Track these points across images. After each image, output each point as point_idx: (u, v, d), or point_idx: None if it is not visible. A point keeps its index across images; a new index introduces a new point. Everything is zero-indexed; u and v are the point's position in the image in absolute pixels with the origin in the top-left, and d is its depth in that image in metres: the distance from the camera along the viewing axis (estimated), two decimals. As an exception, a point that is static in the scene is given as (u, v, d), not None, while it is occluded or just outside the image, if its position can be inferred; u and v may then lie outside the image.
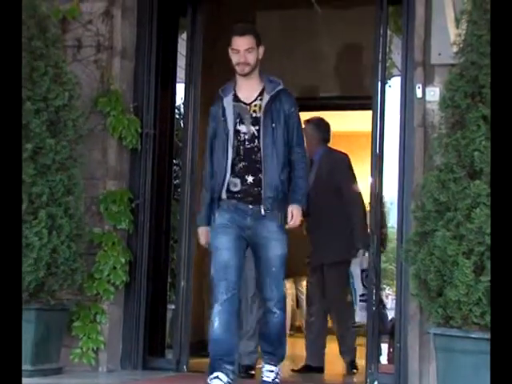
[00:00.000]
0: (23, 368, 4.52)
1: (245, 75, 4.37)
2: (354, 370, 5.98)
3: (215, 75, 4.58)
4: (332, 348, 6.17)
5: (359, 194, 6.06)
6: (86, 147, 5.16)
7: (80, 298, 5.21)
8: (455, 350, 3.96)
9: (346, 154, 6.14)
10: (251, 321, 5.41)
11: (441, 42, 4.87)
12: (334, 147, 6.26)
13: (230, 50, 4.39)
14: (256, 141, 4.32)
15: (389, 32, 5.38)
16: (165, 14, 5.74)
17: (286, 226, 4.35)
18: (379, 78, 5.25)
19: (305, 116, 6.19)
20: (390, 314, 6.26)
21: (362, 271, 5.98)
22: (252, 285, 5.18)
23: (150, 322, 5.55)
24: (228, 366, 4.24)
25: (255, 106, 4.36)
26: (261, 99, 4.37)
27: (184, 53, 5.80)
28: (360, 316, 6.08)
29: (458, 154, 4.06)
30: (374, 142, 5.22)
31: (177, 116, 6.50)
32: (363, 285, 5.96)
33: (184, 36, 5.88)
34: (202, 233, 4.50)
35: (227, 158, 4.31)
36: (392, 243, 6.79)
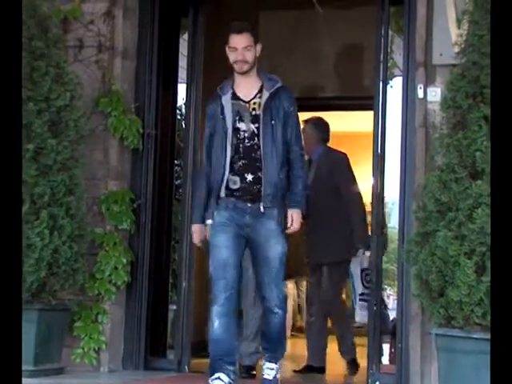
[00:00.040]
0: (25, 368, 4.52)
1: (243, 73, 4.34)
2: (355, 370, 5.98)
3: (217, 75, 4.58)
4: (333, 348, 6.16)
5: (358, 194, 6.04)
6: (87, 147, 5.17)
7: (81, 298, 5.21)
8: (457, 351, 3.96)
9: (344, 154, 6.13)
10: (251, 325, 5.41)
11: (442, 43, 4.86)
12: (336, 147, 6.25)
13: (227, 49, 4.35)
14: (256, 138, 4.29)
15: (390, 32, 5.38)
16: (166, 15, 5.75)
17: (287, 231, 4.34)
18: (381, 79, 5.25)
19: (306, 116, 6.22)
20: (392, 315, 6.27)
21: (362, 271, 5.98)
22: (252, 286, 5.15)
23: (152, 323, 5.55)
24: (229, 367, 4.23)
25: (254, 103, 4.33)
26: (260, 97, 4.33)
27: (185, 53, 5.80)
28: (360, 315, 6.08)
29: (459, 155, 4.06)
30: (375, 143, 5.22)
31: (178, 116, 6.49)
32: (363, 284, 5.96)
33: (185, 36, 5.89)
34: (196, 230, 4.44)
35: (226, 156, 4.28)
36: (393, 243, 6.79)
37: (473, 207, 3.94)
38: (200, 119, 5.61)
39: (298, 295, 10.53)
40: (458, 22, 4.43)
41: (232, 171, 4.28)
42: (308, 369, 5.95)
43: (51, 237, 4.72)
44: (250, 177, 4.29)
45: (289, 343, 9.55)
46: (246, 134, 4.31)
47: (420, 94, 4.97)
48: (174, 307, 5.71)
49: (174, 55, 6.00)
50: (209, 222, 4.64)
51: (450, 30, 4.79)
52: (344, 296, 6.18)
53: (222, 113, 4.34)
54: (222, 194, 4.31)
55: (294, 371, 5.99)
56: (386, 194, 5.39)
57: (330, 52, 8.09)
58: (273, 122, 4.29)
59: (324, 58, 8.03)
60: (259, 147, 4.29)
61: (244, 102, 4.35)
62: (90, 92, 5.40)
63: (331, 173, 5.94)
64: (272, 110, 4.30)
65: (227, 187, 4.28)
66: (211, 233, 4.36)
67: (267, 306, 4.34)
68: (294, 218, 4.31)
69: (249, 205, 4.28)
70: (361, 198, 6.05)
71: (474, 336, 3.87)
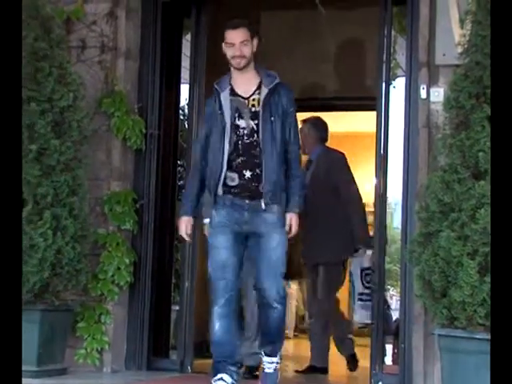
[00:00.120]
0: (28, 369, 4.57)
1: (241, 69, 4.31)
2: (355, 365, 5.97)
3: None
4: (335, 348, 6.16)
5: (358, 194, 6.02)
6: (90, 148, 5.17)
7: (84, 298, 5.22)
8: (460, 351, 3.95)
9: (342, 154, 6.12)
10: (253, 326, 5.40)
11: (445, 43, 4.86)
12: (338, 148, 6.25)
13: (224, 45, 4.33)
14: (255, 135, 4.26)
15: (393, 32, 5.37)
16: (169, 15, 5.75)
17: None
18: (383, 79, 5.24)
19: (308, 116, 6.22)
20: (395, 315, 6.27)
21: (362, 270, 5.97)
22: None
23: (155, 323, 5.55)
24: (232, 368, 4.24)
25: (254, 100, 4.30)
26: (259, 93, 4.30)
27: (188, 53, 5.80)
28: (358, 315, 6.08)
29: (462, 155, 4.06)
30: (378, 143, 5.22)
31: (181, 116, 6.50)
32: (363, 284, 5.96)
33: (188, 37, 5.89)
34: (183, 222, 4.36)
35: (223, 153, 4.24)
36: (396, 244, 6.79)
37: (476, 207, 3.93)
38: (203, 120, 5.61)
39: (302, 296, 10.53)
40: (461, 22, 4.43)
41: (230, 168, 4.24)
42: (311, 369, 5.95)
43: (54, 237, 4.72)
44: (248, 173, 4.25)
45: (291, 344, 9.65)
46: (246, 131, 4.27)
47: (423, 94, 4.97)
48: (177, 307, 5.72)
49: (176, 56, 6.00)
50: (207, 220, 4.63)
51: (453, 31, 4.78)
52: (339, 296, 6.16)
53: (221, 109, 4.29)
54: (220, 191, 4.27)
55: (297, 372, 6.00)
56: (388, 195, 5.39)
57: (332, 52, 8.09)
58: (272, 118, 4.26)
59: (326, 59, 8.03)
60: (258, 144, 4.25)
61: (243, 98, 4.32)
62: (92, 92, 5.41)
63: (329, 172, 5.93)
64: (271, 107, 4.27)
65: (225, 184, 4.25)
66: (210, 233, 4.34)
67: (266, 301, 4.28)
68: (293, 223, 4.30)
69: (247, 201, 4.25)
70: (360, 197, 6.04)
71: (477, 336, 3.86)
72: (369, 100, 6.04)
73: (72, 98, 4.95)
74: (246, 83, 4.34)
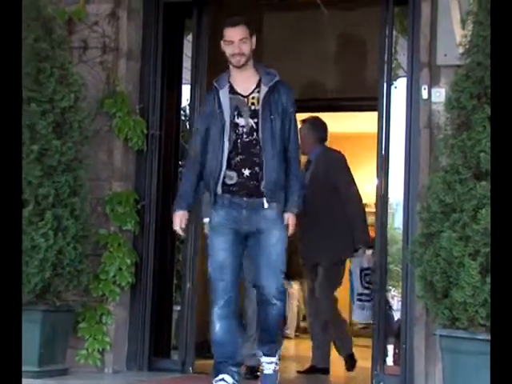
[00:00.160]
0: (29, 369, 4.58)
1: (240, 67, 4.28)
2: (352, 365, 5.96)
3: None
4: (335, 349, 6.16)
5: (358, 194, 6.01)
6: (91, 148, 5.17)
7: (86, 299, 5.22)
8: (461, 352, 3.95)
9: (342, 154, 6.10)
10: (254, 326, 5.40)
11: (447, 43, 4.86)
12: (340, 148, 6.24)
13: (222, 43, 4.31)
14: (254, 134, 4.23)
15: (394, 33, 5.37)
16: (170, 16, 5.75)
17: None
18: (385, 79, 5.24)
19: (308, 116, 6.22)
20: (396, 316, 6.26)
21: (362, 270, 5.97)
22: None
23: (156, 323, 5.55)
24: (233, 368, 4.24)
25: (253, 98, 4.28)
26: (258, 91, 4.28)
27: (189, 54, 5.80)
28: (357, 315, 6.08)
29: (463, 155, 4.06)
30: (379, 143, 5.21)
31: (182, 117, 6.50)
32: (362, 284, 5.96)
33: (190, 37, 5.89)
34: (177, 216, 4.33)
35: (223, 152, 4.22)
36: (397, 244, 6.79)
37: (477, 208, 3.93)
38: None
39: (303, 296, 10.53)
40: (463, 22, 4.43)
41: (229, 167, 4.22)
42: (312, 369, 5.95)
43: (55, 238, 4.72)
44: (247, 172, 4.23)
45: (293, 344, 9.63)
46: (245, 130, 4.24)
47: (424, 94, 4.96)
48: (178, 308, 5.71)
49: (178, 56, 6.00)
50: (206, 220, 4.62)
51: (455, 31, 4.78)
52: (339, 296, 6.15)
53: (220, 107, 4.27)
54: (219, 190, 4.25)
55: (298, 372, 5.99)
56: (390, 195, 5.38)
57: (333, 53, 8.09)
58: (272, 116, 4.24)
59: (327, 59, 8.03)
60: (258, 142, 4.23)
61: (242, 96, 4.29)
62: (94, 93, 5.41)
63: (328, 172, 5.92)
64: (271, 105, 4.25)
65: (223, 183, 4.23)
66: (209, 233, 4.33)
67: (265, 297, 4.25)
68: (290, 223, 4.30)
69: (245, 199, 4.23)
70: (360, 197, 6.03)
71: (479, 337, 3.86)
72: (370, 100, 6.03)
73: (73, 98, 4.95)
74: (245, 81, 4.32)
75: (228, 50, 4.29)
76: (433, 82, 4.96)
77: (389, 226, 5.45)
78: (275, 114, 4.25)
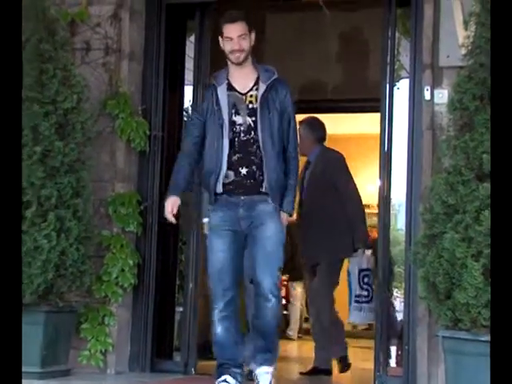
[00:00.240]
0: (32, 370, 4.59)
1: (239, 63, 4.24)
2: (345, 367, 5.95)
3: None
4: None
5: (357, 193, 6.00)
6: (94, 150, 5.18)
7: (88, 300, 5.22)
8: (464, 353, 3.95)
9: (340, 154, 6.09)
10: None
11: (449, 44, 4.86)
12: (342, 149, 6.23)
13: (221, 39, 4.28)
14: (252, 132, 4.20)
15: (397, 34, 5.36)
16: (173, 17, 5.75)
17: None
18: (387, 81, 5.24)
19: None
20: (399, 317, 6.25)
21: (360, 271, 5.96)
22: None
23: (158, 324, 5.55)
24: (236, 369, 4.23)
25: (251, 96, 4.25)
26: (257, 89, 4.24)
27: (192, 55, 5.80)
28: (354, 316, 6.07)
29: (466, 157, 4.06)
30: (382, 145, 5.21)
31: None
32: (360, 285, 5.95)
33: (192, 38, 5.89)
34: (169, 202, 4.25)
35: (223, 151, 4.18)
36: (400, 245, 6.78)
37: (480, 209, 3.93)
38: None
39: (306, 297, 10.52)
40: (465, 23, 4.42)
41: (226, 165, 4.20)
42: (315, 371, 5.94)
43: (58, 239, 4.73)
44: (244, 170, 4.21)
45: (295, 345, 9.63)
46: (242, 128, 4.21)
47: (427, 95, 4.96)
48: (181, 309, 5.71)
49: (180, 57, 6.00)
50: (205, 220, 4.61)
51: (457, 32, 4.78)
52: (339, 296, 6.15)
53: (218, 104, 4.22)
54: (219, 189, 4.22)
55: (301, 373, 5.99)
56: (392, 196, 5.38)
57: (336, 54, 8.09)
58: (270, 115, 4.20)
59: (330, 60, 8.03)
60: (255, 141, 4.20)
61: (240, 94, 4.25)
62: (97, 94, 5.41)
63: (326, 172, 5.92)
64: (269, 103, 4.21)
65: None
66: (208, 234, 4.32)
67: (260, 292, 4.19)
68: (283, 221, 4.28)
69: (242, 198, 4.21)
70: (359, 198, 6.03)
71: (481, 338, 3.85)
72: (373, 102, 6.03)
73: (76, 99, 4.95)
74: (243, 78, 4.28)
75: (227, 46, 4.25)
76: (435, 83, 4.96)
77: (391, 227, 5.44)
78: (273, 112, 4.20)
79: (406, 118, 5.13)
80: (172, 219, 4.32)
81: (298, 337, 10.49)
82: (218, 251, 4.20)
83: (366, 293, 5.93)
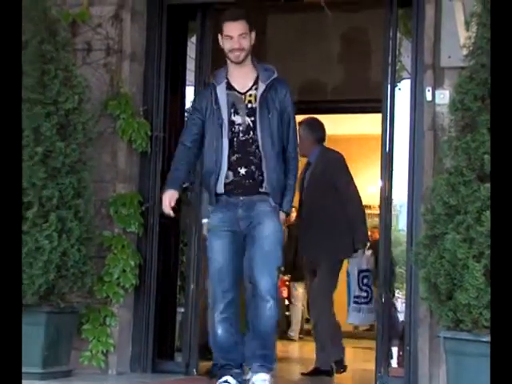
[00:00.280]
0: (34, 371, 4.59)
1: (239, 62, 4.21)
2: (340, 369, 5.95)
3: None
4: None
5: (357, 194, 6.00)
6: (95, 150, 5.18)
7: (90, 300, 5.22)
8: (465, 354, 3.95)
9: (340, 154, 6.09)
10: None
11: (451, 45, 4.86)
12: (343, 150, 6.23)
13: (221, 37, 4.24)
14: (251, 132, 4.16)
15: (398, 35, 5.37)
16: (174, 18, 5.75)
17: None
18: (389, 81, 5.24)
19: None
20: (401, 317, 6.25)
21: (360, 272, 5.96)
22: None
23: (160, 325, 5.55)
24: (237, 370, 4.23)
25: (250, 95, 4.21)
26: (256, 88, 4.20)
27: (193, 56, 5.81)
28: (352, 317, 6.06)
29: (467, 157, 4.05)
30: (383, 145, 5.22)
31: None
32: (359, 286, 5.94)
33: (193, 39, 5.89)
34: (167, 196, 4.21)
35: (222, 151, 4.15)
36: (402, 246, 6.78)
37: (481, 210, 3.93)
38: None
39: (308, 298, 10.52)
40: (467, 24, 4.41)
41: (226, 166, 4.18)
42: (316, 372, 5.94)
43: (60, 240, 4.73)
44: (242, 170, 4.18)
45: (297, 346, 9.63)
46: (241, 128, 4.18)
47: (428, 96, 4.96)
48: (182, 310, 5.71)
49: (181, 58, 6.00)
50: (205, 221, 4.60)
51: (459, 33, 4.78)
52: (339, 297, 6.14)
53: (217, 103, 4.19)
54: (220, 189, 4.21)
55: (302, 374, 5.99)
56: (394, 197, 5.38)
57: (337, 54, 8.09)
58: (269, 115, 4.16)
59: (331, 61, 8.03)
60: (254, 141, 4.17)
61: (239, 93, 4.22)
62: (98, 95, 5.41)
63: (326, 172, 5.91)
64: (268, 103, 4.17)
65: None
66: (208, 235, 4.32)
67: (258, 292, 4.14)
68: (281, 221, 4.28)
69: (241, 198, 4.20)
70: (359, 198, 6.02)
71: (483, 339, 3.85)
72: (374, 102, 6.03)
73: (77, 100, 4.95)
74: (242, 77, 4.24)
75: (227, 45, 4.22)
76: (437, 84, 4.96)
77: (393, 227, 5.45)
78: (273, 112, 4.17)
79: (408, 118, 5.13)
80: (170, 212, 4.27)
81: (300, 338, 10.49)
82: (218, 252, 4.19)
83: (365, 294, 5.92)
